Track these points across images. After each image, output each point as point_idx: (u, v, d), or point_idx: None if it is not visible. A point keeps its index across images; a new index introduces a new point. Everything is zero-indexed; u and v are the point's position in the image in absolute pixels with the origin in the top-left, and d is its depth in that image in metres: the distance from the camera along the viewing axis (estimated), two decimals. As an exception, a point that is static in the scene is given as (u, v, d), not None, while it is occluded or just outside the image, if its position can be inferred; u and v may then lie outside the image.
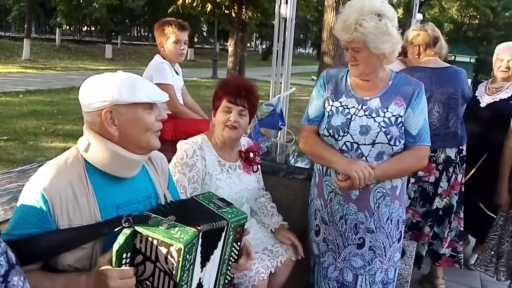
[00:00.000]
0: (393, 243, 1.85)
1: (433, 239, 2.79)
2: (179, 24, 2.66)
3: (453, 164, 2.69)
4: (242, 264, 1.42)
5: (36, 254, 1.16)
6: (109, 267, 1.08)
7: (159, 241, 1.09)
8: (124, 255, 1.10)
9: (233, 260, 1.42)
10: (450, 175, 2.70)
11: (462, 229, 2.81)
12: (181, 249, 1.07)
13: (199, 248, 1.17)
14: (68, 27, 32.40)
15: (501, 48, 3.03)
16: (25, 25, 21.12)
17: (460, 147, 2.72)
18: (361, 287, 1.85)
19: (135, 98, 1.20)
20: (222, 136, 1.92)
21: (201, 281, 1.26)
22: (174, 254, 1.08)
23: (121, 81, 1.21)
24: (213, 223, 1.22)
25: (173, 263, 1.09)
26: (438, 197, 2.70)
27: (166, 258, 1.10)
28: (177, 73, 2.80)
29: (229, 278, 1.45)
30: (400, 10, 25.45)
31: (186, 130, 2.50)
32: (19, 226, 1.17)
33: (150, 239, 1.10)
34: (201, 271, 1.24)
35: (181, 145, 1.92)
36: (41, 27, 32.38)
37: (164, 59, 2.70)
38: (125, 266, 1.10)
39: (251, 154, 2.04)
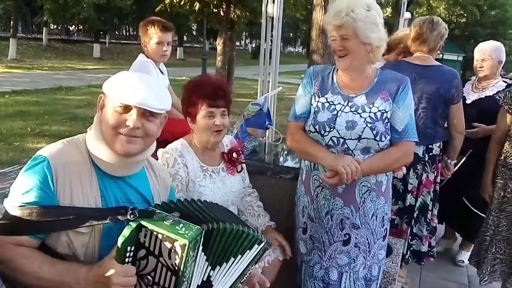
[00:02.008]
0: (377, 239, 1.85)
1: (413, 239, 2.76)
2: (162, 25, 2.63)
3: (421, 162, 2.62)
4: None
5: (39, 226, 1.16)
6: (115, 262, 1.09)
7: (164, 236, 1.10)
8: (129, 248, 1.11)
9: (243, 280, 1.43)
10: (419, 172, 2.64)
11: (435, 225, 2.81)
12: (185, 244, 1.09)
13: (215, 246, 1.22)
14: (55, 26, 32.05)
15: (476, 48, 3.14)
16: (11, 24, 20.81)
17: (429, 146, 2.63)
18: (345, 284, 1.85)
19: (115, 95, 1.22)
20: (209, 142, 1.86)
21: (211, 279, 1.28)
22: (178, 249, 1.10)
23: (126, 79, 1.25)
24: (250, 228, 1.31)
25: (176, 259, 1.11)
26: (410, 194, 2.67)
27: (169, 253, 1.11)
28: (162, 72, 2.77)
29: None
30: (388, 9, 25.57)
31: (172, 130, 2.45)
32: (27, 194, 1.16)
33: (154, 233, 1.11)
34: (214, 270, 1.27)
35: (161, 154, 1.84)
36: (27, 26, 31.95)
37: (148, 58, 2.67)
38: (129, 259, 1.12)
39: (234, 154, 1.98)
